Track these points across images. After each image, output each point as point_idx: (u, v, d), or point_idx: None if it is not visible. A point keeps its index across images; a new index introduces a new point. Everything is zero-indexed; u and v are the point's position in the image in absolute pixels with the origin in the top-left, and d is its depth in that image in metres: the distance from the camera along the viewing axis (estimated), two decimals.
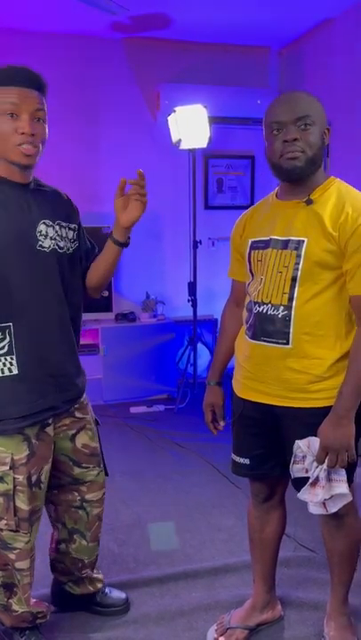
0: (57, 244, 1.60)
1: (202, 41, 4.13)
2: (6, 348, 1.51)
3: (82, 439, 1.73)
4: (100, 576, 1.96)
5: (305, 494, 1.53)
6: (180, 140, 3.79)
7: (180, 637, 1.86)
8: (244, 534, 1.90)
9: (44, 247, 1.56)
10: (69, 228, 1.66)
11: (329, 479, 1.50)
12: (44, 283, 1.56)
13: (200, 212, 4.27)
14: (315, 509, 1.55)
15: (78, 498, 1.78)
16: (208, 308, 4.33)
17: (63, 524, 1.81)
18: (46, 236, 1.57)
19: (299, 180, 1.52)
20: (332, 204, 1.49)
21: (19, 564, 1.64)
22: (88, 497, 1.79)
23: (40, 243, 1.55)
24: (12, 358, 1.52)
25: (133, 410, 3.99)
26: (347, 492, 1.51)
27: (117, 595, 1.98)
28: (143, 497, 2.75)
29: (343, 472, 1.51)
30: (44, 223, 1.57)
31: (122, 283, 4.30)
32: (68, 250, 1.64)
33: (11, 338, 1.51)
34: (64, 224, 1.64)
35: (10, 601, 1.70)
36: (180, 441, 3.42)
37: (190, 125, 3.73)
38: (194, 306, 4.08)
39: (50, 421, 1.63)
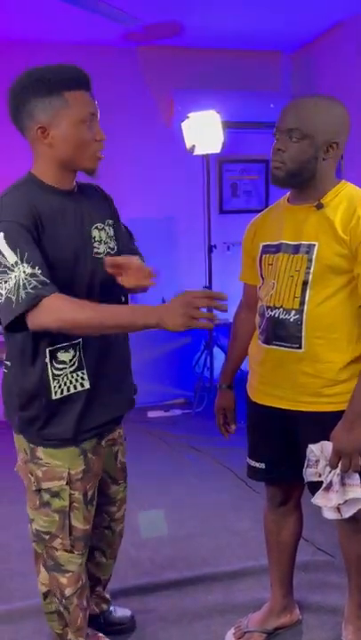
0: (109, 247, 1.56)
1: (214, 47, 4.15)
2: (76, 363, 1.48)
3: (119, 456, 1.73)
4: (108, 596, 1.91)
5: (319, 499, 1.53)
6: (193, 146, 3.82)
7: None
8: (261, 538, 1.90)
9: (100, 253, 1.52)
10: (113, 224, 1.61)
11: (343, 483, 1.50)
12: (105, 291, 1.51)
13: (215, 217, 4.28)
14: (329, 514, 1.55)
15: (108, 519, 1.76)
16: (224, 312, 4.33)
17: None
18: (100, 241, 1.53)
19: (289, 187, 1.55)
20: (344, 208, 1.49)
21: (68, 591, 1.57)
22: (116, 516, 1.77)
23: (96, 250, 1.52)
24: (82, 373, 1.49)
25: (151, 414, 4.01)
26: None
27: (122, 613, 1.93)
28: (160, 501, 2.76)
29: (357, 476, 1.51)
30: (96, 228, 1.53)
31: None
32: (118, 248, 1.60)
33: (80, 353, 1.48)
34: (111, 221, 1.60)
35: (66, 629, 1.62)
36: (197, 445, 3.43)
37: (204, 131, 3.76)
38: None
39: (105, 434, 1.62)
